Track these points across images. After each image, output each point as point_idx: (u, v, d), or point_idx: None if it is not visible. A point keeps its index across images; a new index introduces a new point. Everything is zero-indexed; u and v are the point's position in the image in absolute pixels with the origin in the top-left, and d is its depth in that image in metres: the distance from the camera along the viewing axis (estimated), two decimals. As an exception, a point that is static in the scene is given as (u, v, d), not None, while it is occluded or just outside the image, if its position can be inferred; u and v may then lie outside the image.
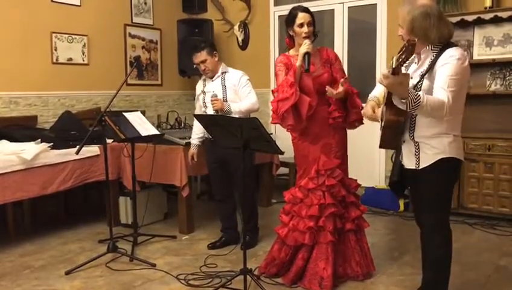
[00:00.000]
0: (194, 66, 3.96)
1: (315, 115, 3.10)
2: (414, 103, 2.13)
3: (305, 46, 2.99)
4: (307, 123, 3.07)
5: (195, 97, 4.09)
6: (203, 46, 3.87)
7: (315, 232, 3.07)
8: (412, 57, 2.43)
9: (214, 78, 3.90)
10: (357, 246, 3.18)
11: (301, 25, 3.07)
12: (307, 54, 2.97)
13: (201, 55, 3.84)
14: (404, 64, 2.15)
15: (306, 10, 3.11)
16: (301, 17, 3.08)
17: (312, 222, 3.05)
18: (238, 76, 3.87)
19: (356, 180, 3.27)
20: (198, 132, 3.94)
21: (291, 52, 3.21)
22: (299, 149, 3.21)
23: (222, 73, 3.89)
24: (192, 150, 4.00)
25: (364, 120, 3.14)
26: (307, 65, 2.96)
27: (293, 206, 3.17)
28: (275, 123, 3.16)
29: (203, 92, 3.94)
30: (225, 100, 3.79)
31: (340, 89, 2.95)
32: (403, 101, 2.15)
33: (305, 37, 3.05)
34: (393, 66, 2.11)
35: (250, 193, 3.86)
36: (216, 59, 3.89)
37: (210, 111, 3.84)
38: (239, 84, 3.84)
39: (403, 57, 2.07)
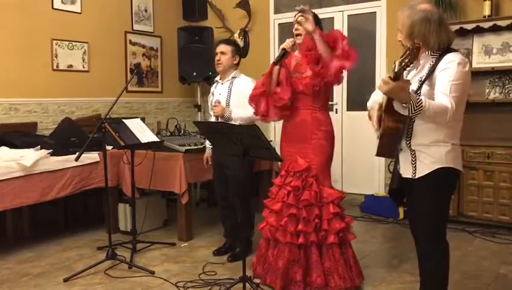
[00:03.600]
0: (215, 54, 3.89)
1: (294, 116, 3.18)
2: (416, 107, 2.06)
3: (285, 43, 3.14)
4: (283, 125, 3.27)
5: (208, 97, 4.09)
6: (232, 43, 3.93)
7: (274, 229, 3.16)
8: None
9: (224, 82, 3.90)
10: (341, 259, 3.10)
11: (294, 23, 3.20)
12: (282, 49, 3.12)
13: (224, 48, 3.84)
14: (408, 68, 2.08)
15: (301, 10, 3.17)
16: (296, 16, 3.18)
17: (273, 218, 3.16)
18: (247, 82, 3.81)
19: (340, 191, 3.19)
20: None
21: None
22: (280, 147, 3.31)
23: (232, 78, 3.88)
24: (207, 153, 4.00)
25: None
26: (276, 59, 3.13)
27: (269, 201, 3.27)
28: (255, 115, 3.35)
29: (213, 94, 3.96)
30: (228, 105, 3.78)
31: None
32: (405, 105, 2.08)
33: (296, 35, 3.17)
34: (396, 71, 2.04)
35: (245, 202, 3.81)
36: (234, 62, 3.87)
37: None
38: (245, 91, 3.82)
39: (406, 60, 1.99)
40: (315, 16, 3.18)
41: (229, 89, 3.83)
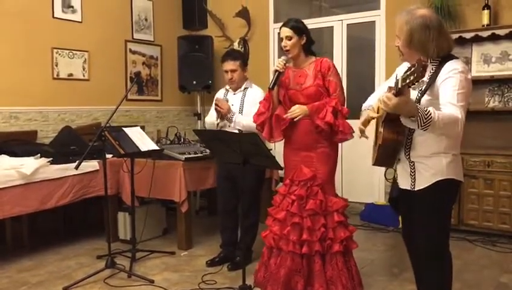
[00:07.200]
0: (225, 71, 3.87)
1: (298, 125, 3.15)
2: (425, 119, 1.95)
3: (276, 63, 3.13)
4: (286, 133, 3.21)
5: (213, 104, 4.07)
6: (237, 57, 3.88)
7: (278, 238, 3.13)
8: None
9: (236, 92, 3.91)
10: (344, 268, 3.09)
11: (281, 40, 3.16)
12: (275, 72, 3.11)
13: (234, 65, 3.82)
14: (412, 86, 1.99)
15: (285, 24, 3.16)
16: (281, 32, 3.17)
17: (277, 226, 3.14)
18: (259, 93, 3.83)
19: (345, 199, 3.19)
20: None
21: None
22: (284, 155, 3.29)
23: (245, 88, 3.89)
24: None
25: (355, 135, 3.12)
26: (271, 84, 3.11)
27: (273, 209, 3.25)
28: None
29: None
30: (240, 113, 3.79)
31: (296, 110, 3.06)
32: (413, 119, 1.98)
33: (285, 51, 3.14)
34: (399, 87, 1.96)
35: (254, 211, 3.81)
36: (245, 74, 3.89)
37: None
38: (258, 102, 3.84)
39: (412, 78, 1.89)
40: (304, 27, 3.16)
41: (242, 100, 3.84)
